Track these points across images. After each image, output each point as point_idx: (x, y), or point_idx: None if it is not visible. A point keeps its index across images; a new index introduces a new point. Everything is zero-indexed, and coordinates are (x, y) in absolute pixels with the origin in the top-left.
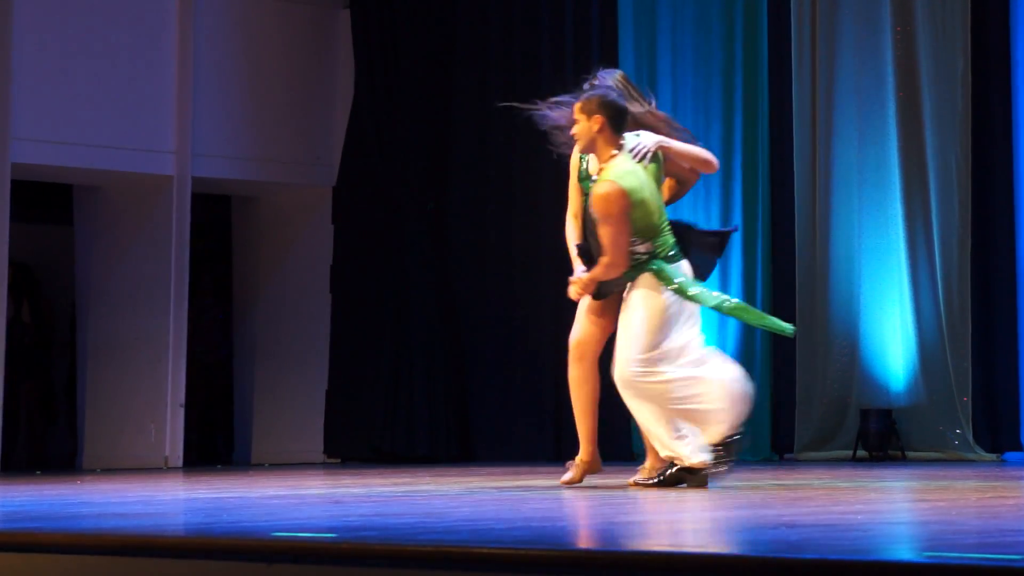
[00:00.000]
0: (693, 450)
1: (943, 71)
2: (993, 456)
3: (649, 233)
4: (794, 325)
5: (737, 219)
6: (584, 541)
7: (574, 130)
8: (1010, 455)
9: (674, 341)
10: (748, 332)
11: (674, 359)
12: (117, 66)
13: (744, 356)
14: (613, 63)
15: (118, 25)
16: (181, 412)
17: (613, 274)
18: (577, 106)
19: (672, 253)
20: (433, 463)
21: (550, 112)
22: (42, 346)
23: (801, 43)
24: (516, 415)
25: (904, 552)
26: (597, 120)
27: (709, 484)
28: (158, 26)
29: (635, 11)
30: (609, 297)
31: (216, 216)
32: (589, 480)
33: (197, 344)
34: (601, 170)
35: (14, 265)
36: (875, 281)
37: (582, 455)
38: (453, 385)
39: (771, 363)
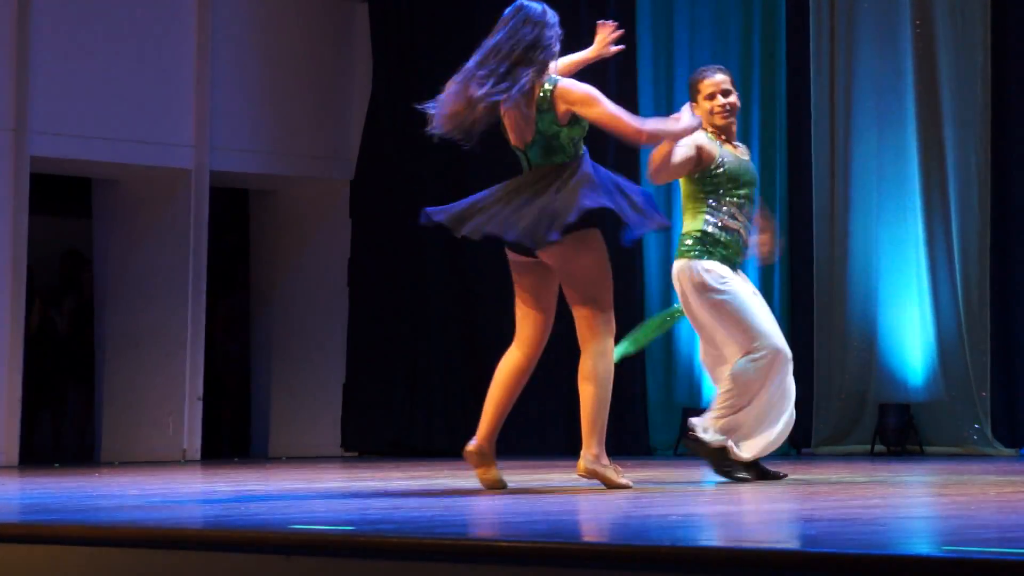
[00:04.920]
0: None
1: (962, 65)
2: (1012, 451)
3: None
4: (813, 320)
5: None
6: (602, 535)
7: (734, 99)
8: None
9: None
10: None
11: None
12: (136, 60)
13: None
14: (631, 58)
15: (137, 19)
16: (199, 405)
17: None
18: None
19: None
20: (451, 456)
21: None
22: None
23: (819, 37)
24: (533, 408)
25: (923, 546)
26: None
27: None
28: (176, 19)
29: (652, 7)
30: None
31: (234, 210)
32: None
33: (215, 337)
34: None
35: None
36: (893, 276)
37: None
38: (471, 378)
39: None
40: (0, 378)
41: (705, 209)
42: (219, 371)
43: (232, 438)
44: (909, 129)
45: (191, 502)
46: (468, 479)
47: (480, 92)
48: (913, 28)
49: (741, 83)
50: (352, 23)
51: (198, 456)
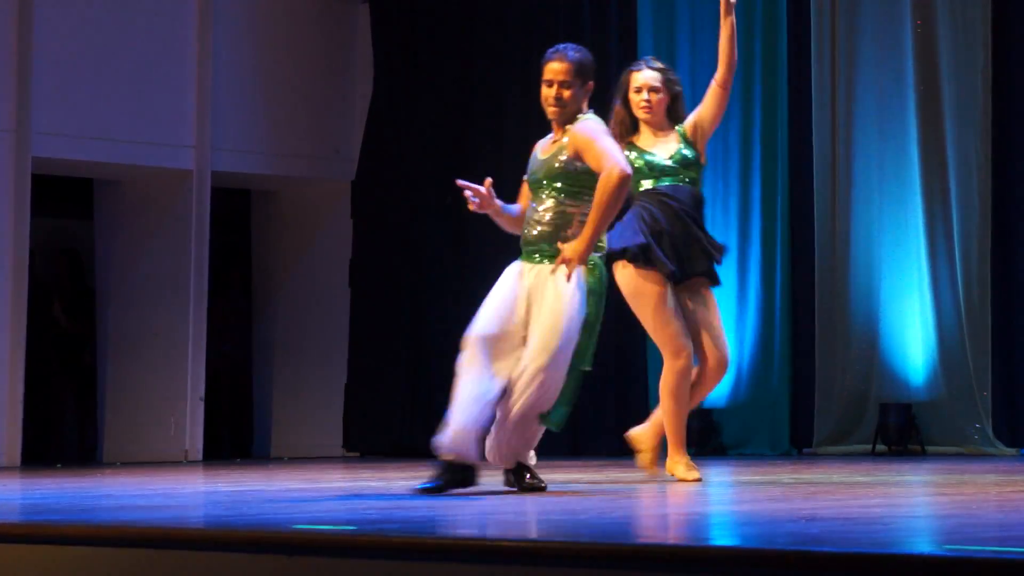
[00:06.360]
0: None
1: (963, 65)
2: (1013, 451)
3: None
4: (815, 320)
5: (756, 214)
6: (602, 534)
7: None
8: None
9: None
10: (768, 325)
11: None
12: (137, 61)
13: (763, 350)
14: (632, 57)
15: (138, 20)
16: (201, 406)
17: None
18: (571, 67)
19: None
20: None
21: None
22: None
23: (820, 37)
24: None
25: (924, 545)
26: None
27: None
28: (178, 21)
29: (654, 6)
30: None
31: (236, 211)
32: (606, 474)
33: (216, 338)
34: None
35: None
36: (895, 275)
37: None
38: None
39: (790, 357)
40: (1, 379)
41: None
42: (221, 371)
43: (234, 438)
44: (910, 129)
45: (193, 502)
46: None
47: None
48: (914, 28)
49: (742, 84)
50: (353, 24)
51: (200, 456)
